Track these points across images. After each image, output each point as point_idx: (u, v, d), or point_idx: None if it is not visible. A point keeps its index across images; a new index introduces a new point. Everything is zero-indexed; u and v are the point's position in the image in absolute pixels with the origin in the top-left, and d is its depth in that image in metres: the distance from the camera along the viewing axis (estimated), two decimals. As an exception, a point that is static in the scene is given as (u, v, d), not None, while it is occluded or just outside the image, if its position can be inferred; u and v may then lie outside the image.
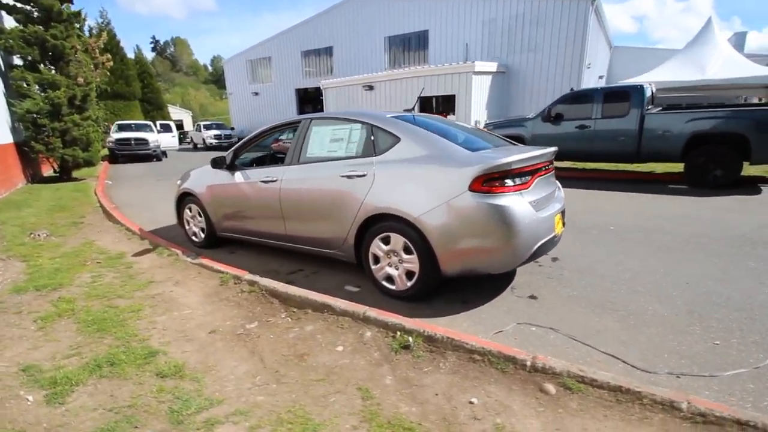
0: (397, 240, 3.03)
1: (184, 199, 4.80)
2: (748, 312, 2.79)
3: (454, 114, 14.88)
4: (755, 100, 17.85)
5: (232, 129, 25.87)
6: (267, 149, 5.32)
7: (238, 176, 4.14)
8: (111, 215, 6.35)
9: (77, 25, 10.59)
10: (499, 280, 3.42)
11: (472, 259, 2.84)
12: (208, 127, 24.45)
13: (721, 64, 13.64)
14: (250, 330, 2.74)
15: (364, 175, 3.15)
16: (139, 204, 7.61)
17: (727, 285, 3.23)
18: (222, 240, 4.67)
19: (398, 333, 2.50)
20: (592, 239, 4.49)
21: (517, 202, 2.75)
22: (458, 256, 2.83)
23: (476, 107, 14.80)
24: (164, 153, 17.72)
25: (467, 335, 2.42)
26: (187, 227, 4.88)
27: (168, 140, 19.15)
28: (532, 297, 3.15)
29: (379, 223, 3.12)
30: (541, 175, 3.07)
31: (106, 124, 12.57)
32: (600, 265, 3.74)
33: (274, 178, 3.75)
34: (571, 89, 9.19)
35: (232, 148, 4.31)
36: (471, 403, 1.93)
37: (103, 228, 5.78)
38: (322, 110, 21.12)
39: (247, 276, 3.48)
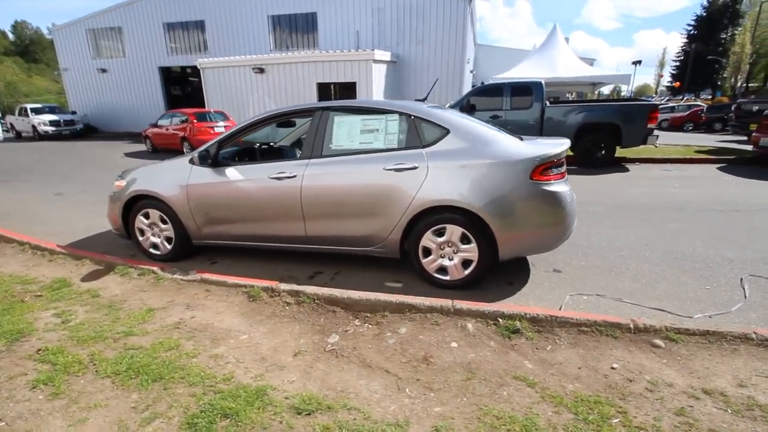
0: (454, 231, 3.08)
1: (135, 203, 3.90)
2: (703, 263, 3.70)
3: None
4: (568, 96, 22.19)
5: (74, 113, 21.01)
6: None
7: (232, 173, 3.55)
8: (-16, 232, 4.70)
9: None
10: (520, 260, 3.76)
11: (528, 242, 3.09)
12: (38, 111, 19.40)
13: (566, 65, 16.69)
14: (338, 344, 2.48)
15: (415, 168, 3.08)
16: (3, 214, 5.77)
17: (673, 243, 4.18)
18: (192, 250, 3.97)
19: (499, 320, 2.60)
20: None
21: (565, 188, 3.08)
22: (516, 241, 3.04)
23: (376, 96, 15.12)
24: (-19, 145, 13.48)
25: (564, 312, 2.66)
26: (141, 238, 3.97)
27: (-15, 128, 14.54)
28: (557, 271, 3.58)
29: (432, 215, 3.11)
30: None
31: None
32: (579, 237, 4.41)
33: (292, 174, 3.35)
34: (482, 83, 10.20)
35: (215, 141, 3.65)
36: (613, 368, 2.18)
37: (-14, 250, 4.27)
38: (197, 93, 18.65)
39: (284, 286, 3.08)
